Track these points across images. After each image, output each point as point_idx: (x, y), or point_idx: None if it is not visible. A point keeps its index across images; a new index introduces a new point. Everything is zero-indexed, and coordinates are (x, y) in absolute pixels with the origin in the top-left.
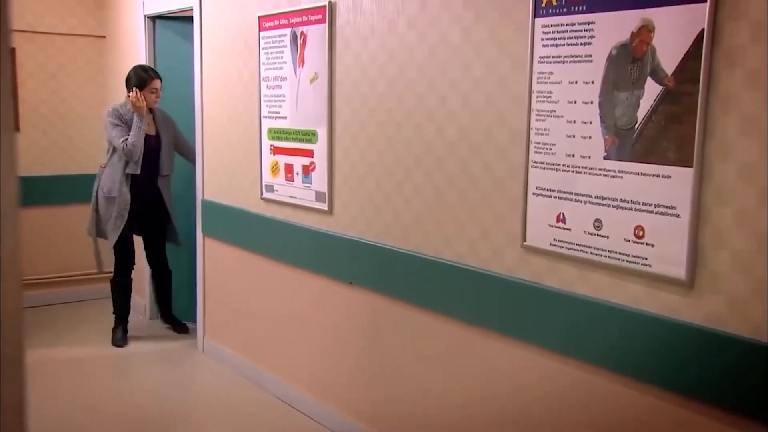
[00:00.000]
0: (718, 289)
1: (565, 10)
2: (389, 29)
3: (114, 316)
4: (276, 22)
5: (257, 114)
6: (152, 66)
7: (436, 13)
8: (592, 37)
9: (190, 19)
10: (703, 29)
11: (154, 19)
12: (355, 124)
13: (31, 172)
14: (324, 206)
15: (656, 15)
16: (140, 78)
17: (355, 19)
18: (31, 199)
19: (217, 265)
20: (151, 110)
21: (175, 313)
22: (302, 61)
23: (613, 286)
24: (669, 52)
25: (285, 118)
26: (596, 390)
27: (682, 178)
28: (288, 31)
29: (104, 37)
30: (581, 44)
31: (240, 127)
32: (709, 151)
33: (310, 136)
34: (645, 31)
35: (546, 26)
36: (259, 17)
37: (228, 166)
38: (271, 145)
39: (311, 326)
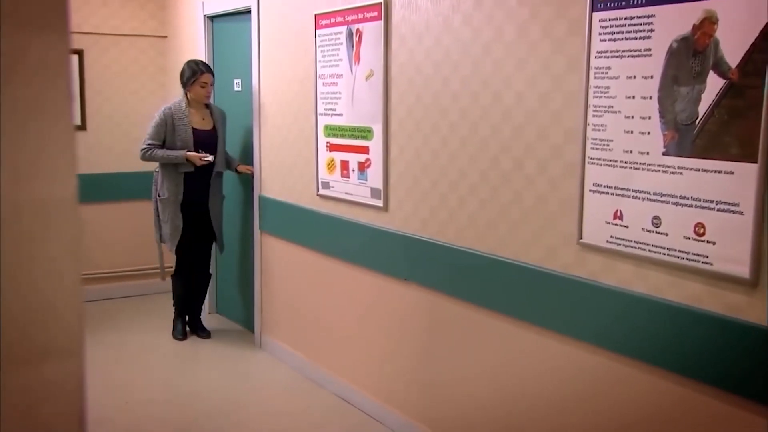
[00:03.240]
0: None
1: (623, 3)
2: (444, 26)
3: (174, 309)
4: (332, 20)
5: (313, 111)
6: (209, 63)
7: (490, 9)
8: (651, 30)
9: (248, 16)
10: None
11: (212, 18)
12: (410, 122)
13: (96, 169)
14: (379, 203)
15: (720, 6)
16: (191, 71)
17: (410, 15)
18: (97, 195)
19: (273, 262)
20: (207, 105)
21: (223, 311)
22: (358, 59)
23: (672, 285)
24: (733, 45)
25: (341, 115)
26: (654, 390)
27: (745, 174)
28: (344, 28)
29: (166, 37)
30: (640, 38)
31: (296, 124)
32: None
33: (365, 133)
34: (708, 23)
35: (604, 20)
36: (315, 15)
37: (284, 162)
38: (327, 142)
39: (367, 323)
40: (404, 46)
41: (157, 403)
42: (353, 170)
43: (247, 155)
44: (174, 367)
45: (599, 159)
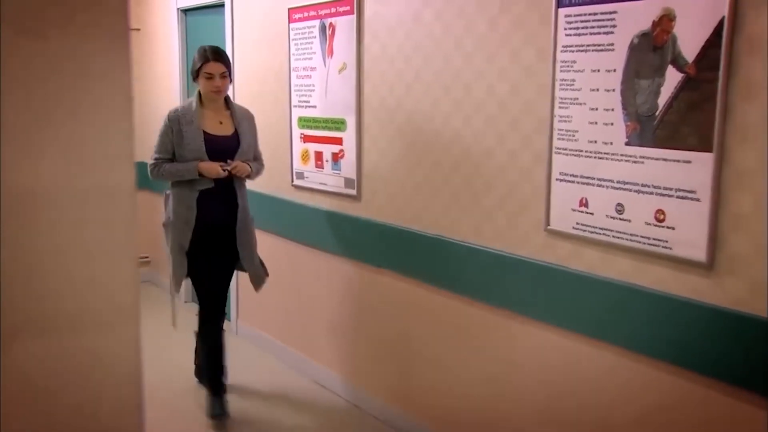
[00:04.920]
0: (738, 272)
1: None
2: (415, 20)
3: (207, 380)
4: (305, 14)
5: (288, 103)
6: (181, 56)
7: (461, 3)
8: (614, 26)
9: (221, 10)
10: (723, 17)
11: (186, 11)
12: (383, 113)
13: None
14: (353, 192)
15: (677, 4)
16: (194, 62)
17: (382, 10)
18: None
19: None
20: (226, 103)
21: None
22: (331, 52)
23: (635, 269)
24: (690, 41)
25: (315, 107)
26: (620, 370)
27: (702, 163)
28: (317, 22)
29: (138, 29)
30: (603, 33)
31: (271, 116)
32: (729, 136)
33: (339, 124)
34: (666, 19)
35: (569, 16)
36: (289, 9)
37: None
38: (302, 134)
39: (342, 309)
40: (376, 39)
41: None
42: (327, 161)
43: None
44: (149, 354)
45: (566, 149)
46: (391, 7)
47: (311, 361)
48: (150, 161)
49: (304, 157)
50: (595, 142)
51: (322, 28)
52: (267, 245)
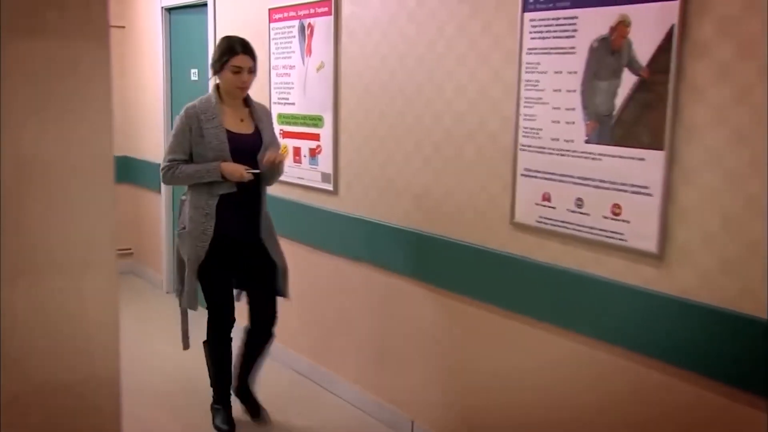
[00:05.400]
0: (686, 262)
1: (551, 5)
2: (391, 22)
3: (212, 391)
4: (285, 14)
5: (268, 100)
6: (166, 54)
7: (434, 7)
8: (575, 30)
9: (204, 9)
10: (673, 24)
11: (170, 10)
12: (359, 111)
13: None
14: (330, 187)
15: (632, 11)
16: (221, 49)
17: (359, 11)
18: None
19: None
20: (246, 102)
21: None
22: (309, 51)
23: (594, 260)
24: (643, 45)
25: (293, 104)
26: (578, 355)
27: (654, 160)
28: (296, 22)
29: (124, 27)
30: (565, 37)
31: None
32: (678, 136)
33: (317, 121)
34: (622, 26)
35: (534, 20)
36: (269, 9)
37: None
38: (281, 130)
39: (321, 300)
40: (353, 40)
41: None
42: (305, 156)
43: None
44: (132, 343)
45: (530, 146)
46: (367, 9)
47: (291, 350)
48: (163, 163)
49: (283, 152)
50: (558, 139)
51: (301, 28)
52: None
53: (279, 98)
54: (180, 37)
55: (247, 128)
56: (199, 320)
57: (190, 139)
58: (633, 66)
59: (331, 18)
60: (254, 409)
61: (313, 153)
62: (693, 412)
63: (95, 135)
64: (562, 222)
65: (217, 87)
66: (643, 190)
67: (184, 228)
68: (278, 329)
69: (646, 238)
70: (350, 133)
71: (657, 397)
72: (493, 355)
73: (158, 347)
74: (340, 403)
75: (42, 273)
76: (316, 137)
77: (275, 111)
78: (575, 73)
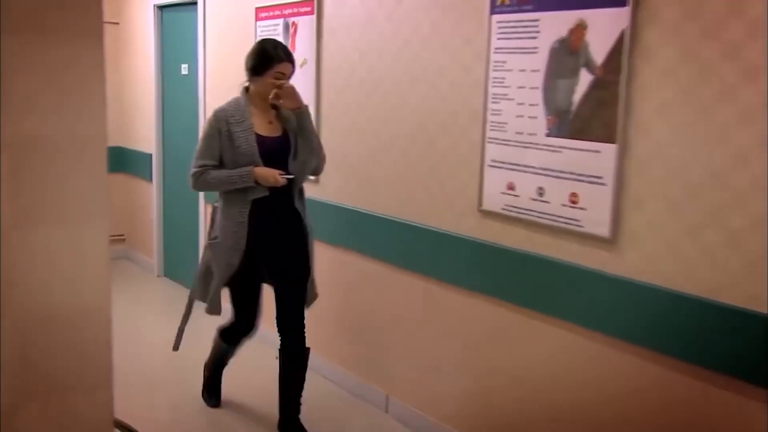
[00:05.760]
0: (636, 246)
1: (516, 8)
2: (369, 21)
3: (207, 369)
4: (271, 13)
5: None
6: (158, 49)
7: (409, 8)
8: (537, 32)
9: (194, 7)
10: (624, 29)
11: (161, 7)
12: (339, 104)
13: None
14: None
15: (588, 16)
16: (266, 56)
17: (339, 11)
18: None
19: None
20: (273, 105)
21: (168, 274)
22: (293, 48)
23: (554, 244)
24: (598, 47)
25: None
26: (539, 333)
27: (607, 152)
28: (281, 21)
29: (118, 23)
30: (529, 38)
31: None
32: (629, 130)
33: None
34: (579, 28)
35: (501, 22)
36: (255, 8)
37: None
38: None
39: None
40: (334, 37)
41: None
42: None
43: (192, 135)
44: (121, 325)
45: (496, 139)
46: (347, 9)
47: (271, 330)
48: (192, 169)
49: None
50: (522, 133)
51: (286, 27)
52: None
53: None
54: (171, 33)
55: (275, 131)
56: (198, 321)
57: (219, 143)
58: (589, 66)
59: (314, 17)
60: None
61: None
62: (637, 380)
63: (90, 116)
64: (526, 209)
65: (246, 89)
66: (598, 180)
67: (215, 238)
68: (266, 313)
69: (600, 224)
70: (331, 126)
71: (606, 369)
72: (465, 332)
73: (151, 327)
74: (318, 380)
75: (46, 223)
76: None
77: None
78: (538, 71)
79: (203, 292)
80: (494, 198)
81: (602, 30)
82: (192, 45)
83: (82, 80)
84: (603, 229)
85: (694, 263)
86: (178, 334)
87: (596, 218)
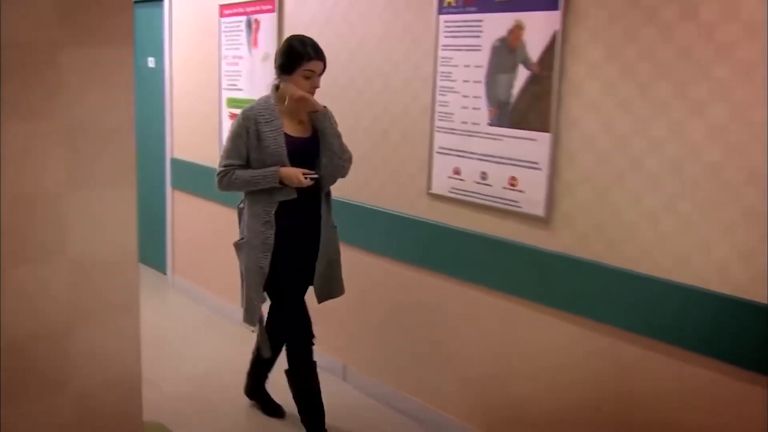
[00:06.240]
0: (567, 225)
1: (461, 9)
2: (327, 20)
3: (300, 414)
4: (234, 10)
5: (218, 86)
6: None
7: (363, 9)
8: (480, 31)
9: (161, 3)
10: (556, 30)
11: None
12: None
13: None
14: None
15: (525, 17)
16: (295, 52)
17: (299, 10)
18: None
19: (183, 213)
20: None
21: (148, 260)
22: (255, 43)
23: (496, 224)
24: (534, 46)
25: (241, 89)
26: (485, 303)
27: (542, 140)
28: (244, 18)
29: None
30: (473, 37)
31: (204, 97)
32: (561, 122)
33: None
34: (517, 29)
35: (447, 22)
36: (219, 5)
37: (193, 128)
38: (230, 112)
39: None
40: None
41: None
42: None
43: (159, 123)
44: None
45: (444, 128)
46: (307, 8)
47: (233, 306)
48: (218, 170)
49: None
50: (466, 122)
51: (248, 23)
52: (199, 208)
53: (228, 84)
54: (139, 28)
55: (305, 132)
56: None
57: (246, 143)
58: (526, 63)
59: (275, 15)
60: (273, 408)
61: None
62: (573, 347)
63: (123, 104)
64: (470, 192)
65: (276, 88)
66: (534, 166)
67: (242, 238)
68: (232, 289)
69: (536, 205)
70: None
71: (545, 338)
72: (413, 305)
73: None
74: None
75: (93, 186)
76: None
77: (225, 95)
78: (481, 67)
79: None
80: (442, 182)
81: (537, 31)
82: (159, 39)
83: (116, 76)
84: (539, 210)
85: (618, 240)
86: (262, 344)
87: (533, 200)
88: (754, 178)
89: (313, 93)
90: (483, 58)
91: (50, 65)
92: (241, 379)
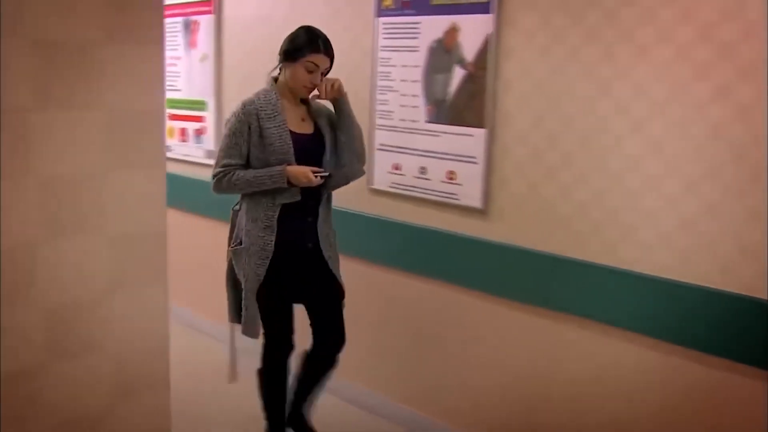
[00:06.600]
0: (502, 216)
1: (399, 12)
2: (267, 22)
3: (266, 424)
4: (172, 12)
5: None
6: None
7: (303, 10)
8: (418, 33)
9: None
10: (489, 32)
11: None
12: (239, 96)
13: None
14: (212, 162)
15: (460, 20)
16: (300, 41)
17: (239, 11)
18: None
19: None
20: (303, 100)
21: None
22: (194, 44)
23: (435, 216)
24: (469, 47)
25: (179, 90)
26: (427, 292)
27: (478, 136)
28: (181, 19)
29: None
30: (410, 38)
31: None
32: (496, 118)
33: (201, 105)
34: (453, 31)
35: (386, 23)
36: None
37: None
38: (168, 113)
39: (212, 264)
40: (234, 35)
41: None
42: (191, 136)
43: None
44: None
45: (384, 125)
46: (246, 9)
47: (208, 318)
48: (215, 170)
49: (171, 132)
50: (405, 120)
51: (186, 24)
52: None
53: (167, 85)
54: None
55: (308, 128)
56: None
57: (248, 141)
58: (462, 63)
59: (214, 16)
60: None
61: (198, 133)
62: (513, 328)
63: (154, 93)
64: (410, 186)
65: (275, 80)
66: (471, 160)
67: (239, 243)
68: (192, 295)
69: (473, 198)
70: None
71: (484, 319)
72: (361, 297)
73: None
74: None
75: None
76: (200, 119)
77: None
78: (418, 66)
79: (236, 312)
80: (383, 177)
81: (472, 33)
82: None
83: (150, 70)
84: (476, 202)
85: (550, 230)
86: (231, 361)
87: (470, 193)
88: (678, 170)
89: (312, 90)
90: (420, 58)
91: (93, 61)
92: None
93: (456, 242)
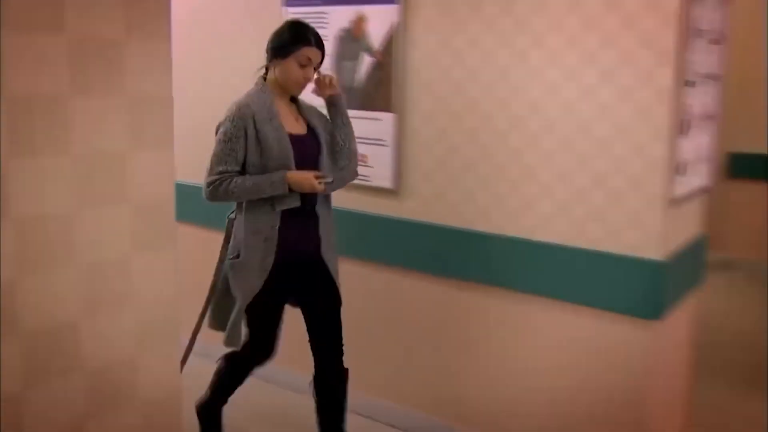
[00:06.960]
0: (413, 194)
1: (307, 2)
2: (178, 22)
3: (202, 425)
4: None
5: None
6: None
7: (210, 8)
8: (326, 22)
9: None
10: (394, 22)
11: None
12: (178, 98)
13: None
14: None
15: (367, 9)
16: (289, 36)
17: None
18: None
19: None
20: (293, 99)
21: None
22: None
23: (350, 198)
24: (376, 36)
25: None
26: (350, 273)
27: (387, 120)
28: None
29: None
30: (319, 27)
31: None
32: (404, 103)
33: None
34: (360, 21)
35: (294, 13)
36: None
37: None
38: None
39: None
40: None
41: None
42: None
43: None
44: None
45: None
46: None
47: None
48: (209, 178)
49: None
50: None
51: None
52: None
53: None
54: None
55: (302, 128)
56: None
57: (244, 146)
58: (369, 51)
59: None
60: None
61: None
62: (424, 299)
63: (163, 82)
64: None
65: (264, 79)
66: (381, 143)
67: (237, 256)
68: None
69: (385, 179)
70: (181, 108)
71: (406, 293)
72: None
73: None
74: None
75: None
76: None
77: None
78: (328, 55)
79: (221, 319)
80: None
81: (378, 22)
82: None
83: (158, 60)
84: (388, 183)
85: (456, 203)
86: (184, 356)
87: (382, 174)
88: (570, 147)
89: (305, 85)
90: (330, 46)
91: (116, 53)
92: None
93: (370, 222)
